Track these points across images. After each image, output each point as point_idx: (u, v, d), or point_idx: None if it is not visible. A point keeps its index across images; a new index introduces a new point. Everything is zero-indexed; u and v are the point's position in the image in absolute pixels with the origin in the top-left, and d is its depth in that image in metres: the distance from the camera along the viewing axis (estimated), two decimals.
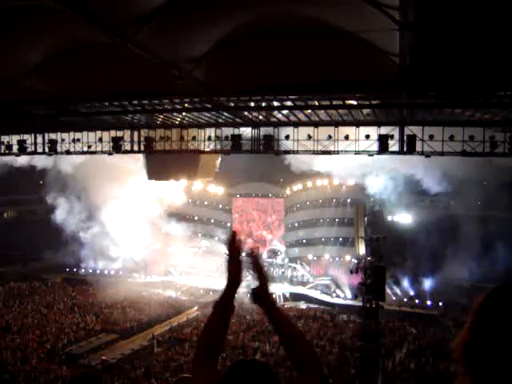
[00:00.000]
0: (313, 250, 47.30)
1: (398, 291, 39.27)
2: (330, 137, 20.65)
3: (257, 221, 51.49)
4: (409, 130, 19.42)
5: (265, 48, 13.30)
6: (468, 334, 1.54)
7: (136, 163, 36.20)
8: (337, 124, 20.60)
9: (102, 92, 17.59)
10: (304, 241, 48.63)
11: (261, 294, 2.28)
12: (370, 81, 14.62)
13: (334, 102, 18.03)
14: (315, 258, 46.94)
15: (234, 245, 2.32)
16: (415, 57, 11.93)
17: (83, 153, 24.94)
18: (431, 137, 18.98)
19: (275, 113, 20.96)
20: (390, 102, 17.84)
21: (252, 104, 19.07)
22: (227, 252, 2.30)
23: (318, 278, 45.19)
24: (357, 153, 20.69)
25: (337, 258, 45.21)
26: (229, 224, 52.36)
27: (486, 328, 1.50)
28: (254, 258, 2.27)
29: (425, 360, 26.29)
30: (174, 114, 21.76)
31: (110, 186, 43.18)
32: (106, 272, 48.10)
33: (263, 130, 21.80)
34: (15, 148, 24.96)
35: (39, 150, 25.36)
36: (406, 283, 39.74)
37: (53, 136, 24.84)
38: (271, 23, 12.54)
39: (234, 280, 2.29)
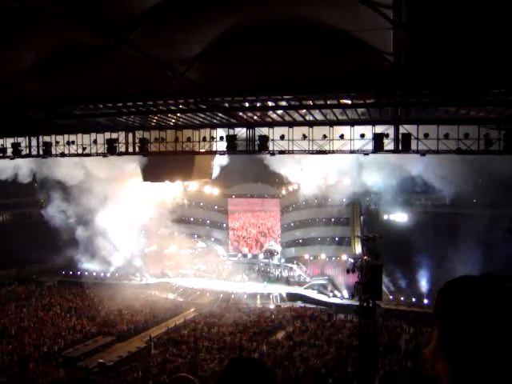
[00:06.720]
0: (309, 250, 47.21)
1: (394, 290, 39.26)
2: (324, 136, 20.63)
3: (252, 221, 51.46)
4: (404, 128, 19.42)
5: (259, 48, 13.26)
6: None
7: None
8: (332, 123, 20.57)
9: (96, 94, 17.54)
10: (300, 241, 48.58)
11: None
12: (365, 80, 14.62)
13: (329, 102, 18.03)
14: (312, 258, 46.87)
15: None
16: (409, 55, 11.94)
17: (78, 155, 24.83)
18: (426, 135, 18.97)
19: (270, 113, 20.94)
20: (384, 100, 17.84)
21: (246, 104, 19.03)
22: None
23: (314, 277, 45.15)
24: (352, 152, 20.69)
25: (333, 258, 45.16)
26: (225, 225, 52.34)
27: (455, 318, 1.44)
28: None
29: (422, 359, 26.29)
30: (169, 115, 21.71)
31: (106, 189, 43.02)
32: (102, 274, 47.95)
33: (258, 131, 21.77)
34: (9, 151, 24.85)
35: (34, 152, 25.23)
36: (402, 282, 39.76)
37: (47, 139, 24.74)
38: (265, 23, 12.51)
39: None
